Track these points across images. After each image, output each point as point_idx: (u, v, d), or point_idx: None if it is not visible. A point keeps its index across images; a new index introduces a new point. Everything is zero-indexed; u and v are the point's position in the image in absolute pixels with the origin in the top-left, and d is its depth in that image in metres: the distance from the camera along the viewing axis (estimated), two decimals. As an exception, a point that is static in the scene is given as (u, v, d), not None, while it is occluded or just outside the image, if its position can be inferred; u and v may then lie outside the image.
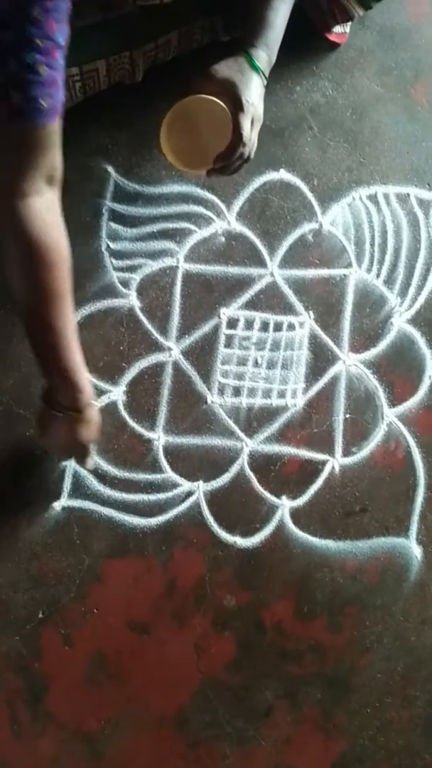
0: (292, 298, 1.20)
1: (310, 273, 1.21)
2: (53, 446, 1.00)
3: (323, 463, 1.20)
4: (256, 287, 1.19)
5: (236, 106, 0.92)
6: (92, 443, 0.99)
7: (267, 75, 0.97)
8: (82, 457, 1.02)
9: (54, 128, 0.70)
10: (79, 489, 1.11)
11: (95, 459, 1.08)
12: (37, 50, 0.63)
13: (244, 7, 0.98)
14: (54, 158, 0.73)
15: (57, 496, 1.11)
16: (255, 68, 0.93)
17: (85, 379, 0.88)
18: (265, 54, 0.95)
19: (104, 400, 1.13)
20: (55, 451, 1.04)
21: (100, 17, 0.93)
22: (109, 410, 1.13)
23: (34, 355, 0.86)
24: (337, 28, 1.22)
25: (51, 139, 0.70)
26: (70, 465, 1.11)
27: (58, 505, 1.11)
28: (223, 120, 0.93)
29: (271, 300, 1.20)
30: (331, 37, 1.23)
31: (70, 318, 0.82)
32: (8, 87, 0.64)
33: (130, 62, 1.02)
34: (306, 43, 1.23)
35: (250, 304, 1.19)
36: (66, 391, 0.88)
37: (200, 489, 1.15)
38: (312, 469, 1.20)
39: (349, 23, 1.23)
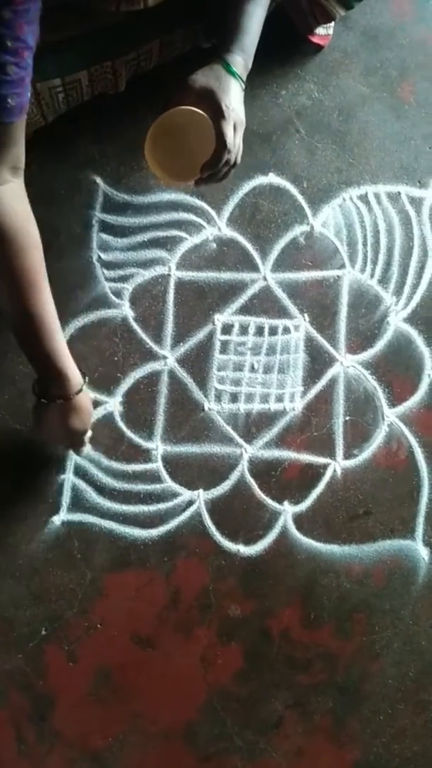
0: (287, 301, 1.19)
1: (304, 275, 1.21)
2: (47, 435, 1.01)
3: (324, 466, 1.18)
4: (250, 292, 1.19)
5: (217, 113, 0.92)
6: (85, 431, 1.01)
7: (244, 79, 0.97)
8: (76, 445, 1.05)
9: (20, 125, 0.74)
10: (78, 502, 1.10)
11: (88, 447, 1.09)
12: (7, 51, 0.66)
13: (217, 15, 0.98)
14: (18, 152, 0.77)
15: (56, 511, 1.10)
16: (232, 73, 0.93)
17: (70, 366, 0.90)
18: (241, 59, 0.95)
19: (101, 411, 1.12)
20: (50, 440, 1.06)
21: (82, 28, 0.93)
22: (106, 421, 1.12)
23: (19, 346, 0.88)
24: (320, 30, 1.23)
25: (16, 135, 0.75)
26: (69, 479, 1.10)
27: (57, 520, 1.10)
28: (206, 129, 0.93)
29: (265, 304, 1.19)
30: (315, 39, 1.23)
31: (47, 305, 0.84)
32: None
33: (112, 72, 1.02)
34: (290, 46, 1.24)
35: (244, 309, 1.18)
36: (53, 380, 0.90)
37: (201, 497, 1.14)
38: (313, 473, 1.18)
39: (332, 24, 1.23)
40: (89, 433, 1.04)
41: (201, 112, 0.92)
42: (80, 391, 0.93)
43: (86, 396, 0.96)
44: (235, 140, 0.94)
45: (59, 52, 0.93)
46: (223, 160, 0.95)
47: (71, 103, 1.04)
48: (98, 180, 1.15)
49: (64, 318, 1.13)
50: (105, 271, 1.14)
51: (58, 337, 0.87)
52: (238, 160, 0.99)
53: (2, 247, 0.78)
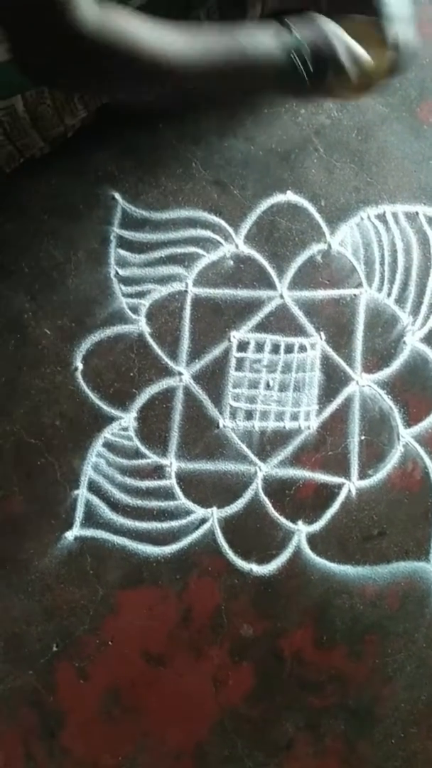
0: (303, 319, 1.19)
1: (320, 294, 1.20)
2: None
3: (339, 486, 1.18)
4: (266, 309, 1.18)
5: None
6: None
7: None
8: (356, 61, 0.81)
9: None
10: (91, 518, 1.10)
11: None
12: None
13: None
14: None
15: (69, 526, 1.09)
16: None
17: (263, 42, 0.73)
18: None
19: (115, 427, 1.12)
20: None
21: None
22: (121, 437, 1.12)
23: (227, 89, 0.80)
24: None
25: None
26: (82, 494, 1.10)
27: (70, 535, 1.09)
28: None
29: (281, 322, 1.18)
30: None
31: (195, 41, 0.72)
32: None
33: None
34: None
35: (261, 327, 1.18)
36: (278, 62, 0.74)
37: (214, 515, 1.13)
38: (328, 493, 1.17)
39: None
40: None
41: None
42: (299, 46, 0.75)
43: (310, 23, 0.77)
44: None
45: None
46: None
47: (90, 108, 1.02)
48: (117, 195, 1.16)
49: (82, 333, 1.13)
50: (122, 287, 1.15)
51: (236, 39, 0.72)
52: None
53: (130, 44, 0.67)
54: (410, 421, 1.20)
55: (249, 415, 1.17)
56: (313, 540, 1.16)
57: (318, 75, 0.76)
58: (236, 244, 1.19)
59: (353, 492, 1.18)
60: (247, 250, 1.19)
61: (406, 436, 1.20)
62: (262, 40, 0.74)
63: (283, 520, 1.15)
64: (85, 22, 0.64)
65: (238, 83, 0.76)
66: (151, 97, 0.72)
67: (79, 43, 0.64)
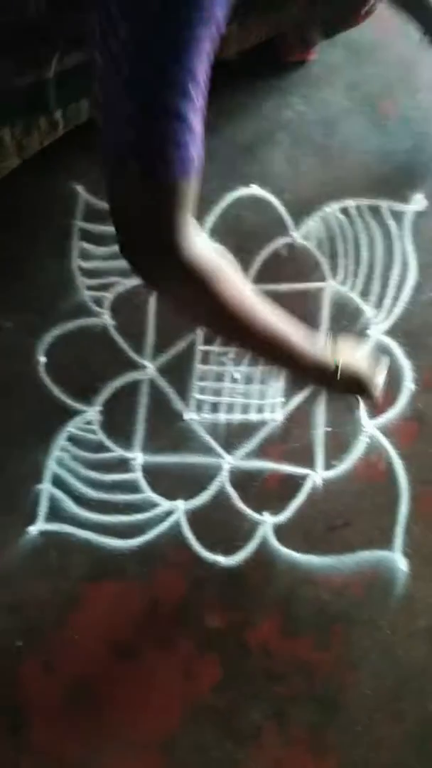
0: (268, 312, 1.20)
1: (285, 287, 1.21)
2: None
3: (305, 477, 1.19)
4: (231, 303, 1.19)
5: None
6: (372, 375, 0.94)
7: None
8: (373, 390, 0.96)
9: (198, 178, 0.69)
10: (55, 512, 1.10)
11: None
12: (190, 100, 0.60)
13: None
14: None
15: (32, 521, 1.09)
16: None
17: (311, 355, 0.84)
18: None
19: (79, 421, 1.11)
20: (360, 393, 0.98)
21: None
22: (85, 431, 1.12)
23: (271, 360, 0.86)
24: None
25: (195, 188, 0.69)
26: (46, 488, 1.09)
27: (34, 530, 1.09)
28: None
29: (246, 315, 1.19)
30: (297, 56, 1.25)
31: (268, 314, 0.79)
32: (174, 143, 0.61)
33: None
34: (274, 59, 1.24)
35: (226, 320, 1.18)
36: (304, 373, 0.86)
37: (180, 508, 1.14)
38: (293, 484, 1.18)
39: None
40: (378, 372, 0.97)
41: None
42: (337, 369, 0.86)
43: (351, 359, 0.90)
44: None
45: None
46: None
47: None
48: (79, 188, 1.15)
49: (45, 326, 1.12)
50: (85, 280, 1.14)
51: (294, 337, 0.82)
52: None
53: (213, 285, 0.73)
54: (375, 412, 1.22)
55: (215, 407, 1.17)
56: (278, 531, 1.17)
57: (338, 390, 0.91)
58: (201, 237, 1.19)
59: (318, 483, 1.19)
60: (212, 243, 1.19)
61: (370, 427, 1.21)
62: (312, 355, 0.85)
63: (249, 511, 1.16)
64: (184, 251, 0.68)
65: (272, 359, 0.85)
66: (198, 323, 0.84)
67: (173, 264, 0.68)
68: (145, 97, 0.57)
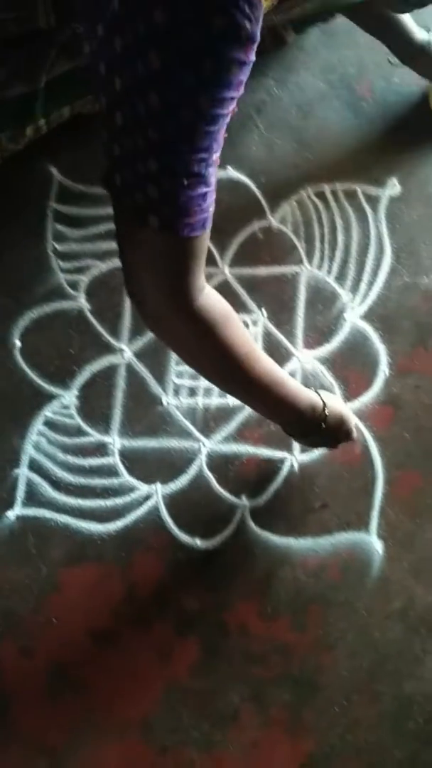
0: (245, 296, 1.20)
1: (262, 271, 1.21)
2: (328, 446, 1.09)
3: (282, 460, 1.19)
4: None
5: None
6: (352, 423, 1.05)
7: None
8: (350, 439, 1.07)
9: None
10: (33, 497, 1.09)
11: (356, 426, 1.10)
12: (212, 161, 0.61)
13: None
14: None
15: (10, 505, 1.08)
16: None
17: (309, 397, 0.92)
18: None
19: (56, 405, 1.11)
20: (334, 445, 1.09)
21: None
22: (62, 415, 1.11)
23: (254, 407, 0.94)
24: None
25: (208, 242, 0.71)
26: (23, 473, 1.09)
27: (11, 515, 1.08)
28: None
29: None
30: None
31: (266, 363, 0.86)
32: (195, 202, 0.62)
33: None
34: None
35: (203, 304, 1.18)
36: (301, 417, 0.92)
37: (158, 492, 1.14)
38: (271, 467, 1.19)
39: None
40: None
41: None
42: (325, 407, 0.95)
43: (335, 402, 0.99)
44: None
45: None
46: None
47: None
48: (53, 170, 1.14)
49: (19, 309, 1.11)
50: (60, 263, 1.13)
51: (289, 381, 0.90)
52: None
53: (219, 333, 0.75)
54: (350, 396, 1.23)
55: (192, 391, 1.17)
56: (256, 514, 1.17)
57: (327, 428, 0.97)
58: (177, 221, 1.18)
59: (296, 466, 1.20)
60: (188, 226, 1.19)
61: (347, 410, 1.22)
62: (305, 396, 0.92)
63: (227, 494, 1.16)
64: (197, 301, 0.70)
65: (269, 402, 0.89)
66: (202, 368, 0.86)
67: (185, 314, 0.70)
68: (171, 161, 0.58)
